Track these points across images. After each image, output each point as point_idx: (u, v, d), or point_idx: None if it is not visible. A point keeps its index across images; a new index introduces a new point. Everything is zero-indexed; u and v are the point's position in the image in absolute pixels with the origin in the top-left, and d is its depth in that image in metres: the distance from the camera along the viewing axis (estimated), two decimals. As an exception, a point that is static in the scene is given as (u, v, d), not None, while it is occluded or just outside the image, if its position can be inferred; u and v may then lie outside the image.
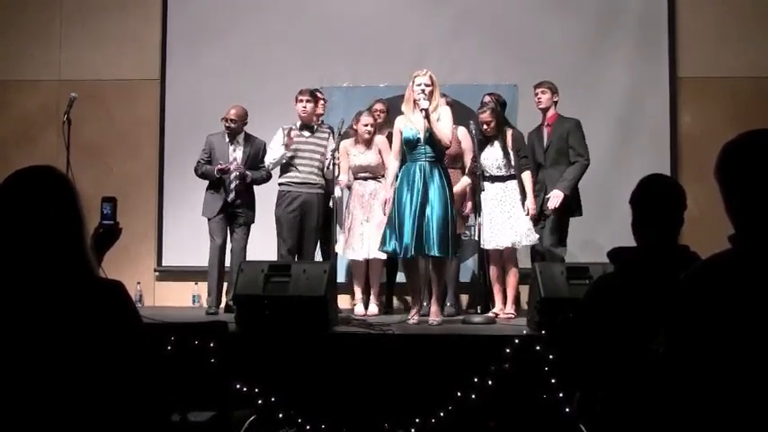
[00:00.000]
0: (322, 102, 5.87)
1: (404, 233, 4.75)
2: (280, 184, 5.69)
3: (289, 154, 5.57)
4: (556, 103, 5.47)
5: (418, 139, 4.83)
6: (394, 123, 5.05)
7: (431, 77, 4.84)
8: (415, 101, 4.82)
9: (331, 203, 5.49)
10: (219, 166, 5.62)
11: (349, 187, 5.66)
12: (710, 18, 6.69)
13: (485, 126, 5.37)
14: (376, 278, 5.61)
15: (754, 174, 1.58)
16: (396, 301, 6.21)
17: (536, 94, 5.50)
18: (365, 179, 5.58)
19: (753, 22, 6.66)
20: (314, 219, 5.59)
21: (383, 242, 4.92)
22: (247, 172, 5.70)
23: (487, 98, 5.54)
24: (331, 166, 5.42)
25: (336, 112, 6.07)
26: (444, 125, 4.85)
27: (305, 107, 5.61)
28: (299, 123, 5.68)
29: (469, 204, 5.50)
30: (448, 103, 5.13)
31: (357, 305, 5.55)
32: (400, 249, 4.77)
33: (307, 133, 5.66)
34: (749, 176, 1.59)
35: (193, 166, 5.86)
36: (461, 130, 5.39)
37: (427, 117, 4.75)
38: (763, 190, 1.57)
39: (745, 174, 1.59)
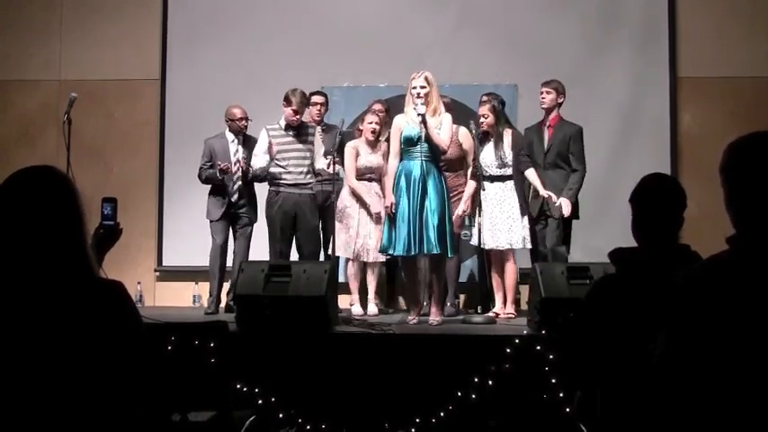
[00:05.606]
0: (318, 107, 5.81)
1: (403, 233, 4.76)
2: (270, 186, 5.65)
3: (272, 161, 5.55)
4: (560, 104, 5.39)
5: (419, 138, 4.83)
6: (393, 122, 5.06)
7: (426, 78, 4.83)
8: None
9: (339, 203, 5.48)
10: (220, 167, 5.61)
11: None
12: (711, 18, 6.68)
13: (481, 119, 5.35)
14: (375, 278, 5.60)
15: (759, 175, 1.58)
16: (396, 301, 6.21)
17: (541, 93, 5.41)
18: (370, 180, 5.55)
19: (753, 22, 6.66)
20: (308, 219, 5.56)
21: (386, 245, 4.91)
22: (249, 167, 5.68)
23: (485, 98, 5.50)
24: (331, 166, 5.38)
25: (337, 112, 6.06)
26: (443, 133, 4.87)
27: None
28: (283, 123, 5.63)
29: (469, 204, 5.48)
30: (446, 104, 5.13)
31: (354, 306, 5.52)
32: (402, 250, 4.78)
33: (292, 133, 5.61)
34: (755, 178, 1.58)
35: (193, 165, 5.85)
36: (462, 131, 5.37)
37: (424, 123, 4.75)
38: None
39: (750, 175, 1.59)
